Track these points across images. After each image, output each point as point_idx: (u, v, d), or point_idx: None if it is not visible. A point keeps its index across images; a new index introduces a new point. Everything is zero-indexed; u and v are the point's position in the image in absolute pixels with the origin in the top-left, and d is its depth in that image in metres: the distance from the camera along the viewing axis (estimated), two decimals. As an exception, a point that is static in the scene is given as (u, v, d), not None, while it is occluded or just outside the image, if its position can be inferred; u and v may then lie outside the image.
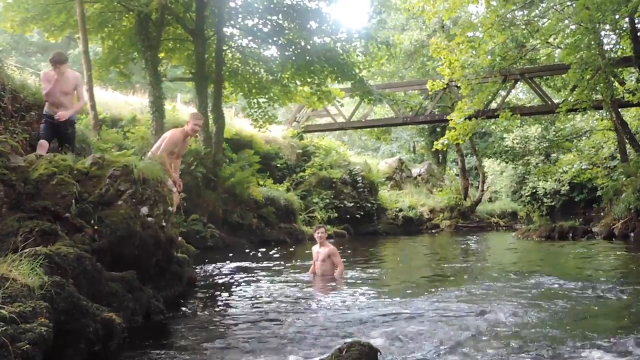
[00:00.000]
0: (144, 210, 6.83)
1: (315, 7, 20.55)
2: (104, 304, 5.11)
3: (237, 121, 27.00)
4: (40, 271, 4.43)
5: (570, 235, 19.16)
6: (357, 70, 21.55)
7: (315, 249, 10.13)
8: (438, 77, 25.83)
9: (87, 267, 5.23)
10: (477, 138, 39.11)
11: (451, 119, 23.69)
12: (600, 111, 25.73)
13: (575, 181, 37.17)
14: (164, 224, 7.11)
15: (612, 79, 21.09)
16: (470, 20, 28.10)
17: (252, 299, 7.80)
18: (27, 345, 3.57)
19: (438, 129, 36.56)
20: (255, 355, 4.90)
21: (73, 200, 6.37)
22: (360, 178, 27.06)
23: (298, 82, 22.26)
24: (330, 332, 5.67)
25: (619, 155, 24.63)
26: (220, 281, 9.64)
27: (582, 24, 19.21)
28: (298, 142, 28.22)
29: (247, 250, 15.60)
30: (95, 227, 6.31)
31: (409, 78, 35.90)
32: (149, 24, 17.56)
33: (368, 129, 36.48)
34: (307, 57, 20.57)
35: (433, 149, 30.47)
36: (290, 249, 16.97)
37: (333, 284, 9.29)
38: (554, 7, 21.85)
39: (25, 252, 4.75)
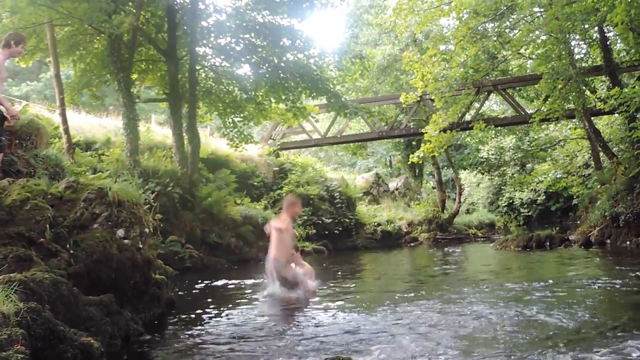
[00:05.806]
0: (120, 232, 6.77)
1: (287, 25, 20.65)
2: (81, 329, 5.04)
3: (212, 141, 26.96)
4: (15, 298, 4.37)
5: (548, 244, 19.26)
6: (332, 86, 21.61)
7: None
8: (412, 90, 25.93)
9: (64, 292, 5.16)
10: (453, 150, 39.38)
11: (426, 132, 23.82)
12: (573, 120, 25.96)
13: (550, 190, 37.47)
14: (140, 246, 7.06)
15: (584, 87, 21.31)
16: (442, 33, 28.44)
17: (232, 319, 7.73)
18: (3, 374, 3.51)
19: (414, 143, 36.72)
20: (237, 375, 4.87)
21: (47, 225, 6.30)
22: (337, 194, 27.06)
23: (272, 100, 22.26)
24: (312, 348, 5.63)
25: (593, 163, 24.84)
26: (199, 302, 9.56)
27: (552, 34, 19.48)
28: (274, 160, 28.19)
29: (226, 270, 15.52)
30: (71, 252, 6.24)
31: (383, 93, 36.04)
32: (120, 45, 17.48)
33: (344, 145, 36.63)
34: (281, 74, 20.61)
35: (409, 163, 30.65)
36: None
37: (312, 301, 9.25)
38: (525, 19, 22.12)
39: (0, 279, 4.69)
